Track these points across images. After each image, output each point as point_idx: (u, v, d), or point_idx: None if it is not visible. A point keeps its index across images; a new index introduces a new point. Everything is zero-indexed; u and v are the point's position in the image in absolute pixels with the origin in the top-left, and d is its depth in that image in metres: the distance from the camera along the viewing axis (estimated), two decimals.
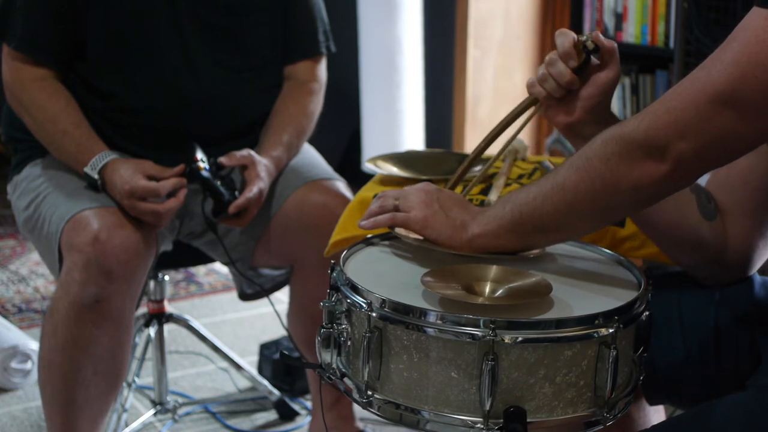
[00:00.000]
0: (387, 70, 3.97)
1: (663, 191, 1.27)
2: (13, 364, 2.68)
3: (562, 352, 1.16)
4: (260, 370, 2.74)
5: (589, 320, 1.18)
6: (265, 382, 2.60)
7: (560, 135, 2.88)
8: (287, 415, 2.57)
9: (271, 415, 2.58)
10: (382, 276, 1.32)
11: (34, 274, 3.54)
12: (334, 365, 1.27)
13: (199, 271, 3.57)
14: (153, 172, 2.03)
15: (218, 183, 2.05)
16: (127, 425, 2.41)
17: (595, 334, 1.17)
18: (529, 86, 1.45)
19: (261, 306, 3.09)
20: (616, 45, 1.41)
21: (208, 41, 2.15)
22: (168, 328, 2.50)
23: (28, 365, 2.70)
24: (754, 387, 1.29)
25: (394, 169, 2.00)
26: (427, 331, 1.17)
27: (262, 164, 2.10)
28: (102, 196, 2.03)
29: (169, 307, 2.50)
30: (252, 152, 2.11)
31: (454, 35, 3.88)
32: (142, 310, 2.38)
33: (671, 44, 3.31)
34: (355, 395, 1.25)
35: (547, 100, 1.43)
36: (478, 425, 1.17)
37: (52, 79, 2.10)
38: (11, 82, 2.11)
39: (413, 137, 4.04)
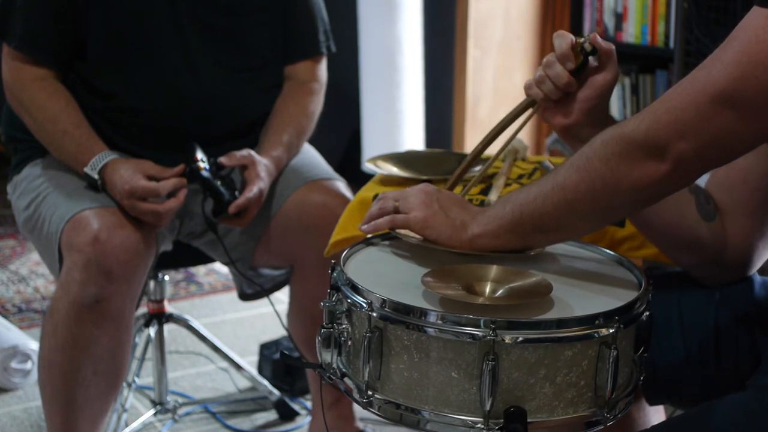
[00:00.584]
0: (387, 70, 3.97)
1: (663, 191, 1.27)
2: (13, 364, 2.68)
3: (562, 352, 1.16)
4: (260, 370, 2.74)
5: (589, 320, 1.18)
6: (265, 382, 2.60)
7: None
8: (287, 415, 2.57)
9: (271, 415, 2.58)
10: (382, 276, 1.32)
11: (34, 274, 3.54)
12: (334, 365, 1.27)
13: (199, 271, 3.57)
14: (153, 172, 2.03)
15: (218, 183, 2.05)
16: (127, 425, 2.41)
17: (596, 334, 1.17)
18: (527, 88, 1.45)
19: (261, 306, 3.09)
20: (613, 47, 1.41)
21: (208, 41, 2.15)
22: (168, 328, 2.50)
23: (28, 365, 2.70)
24: (754, 387, 1.29)
25: (394, 169, 2.00)
26: (427, 331, 1.17)
27: (262, 164, 2.10)
28: (102, 196, 2.03)
29: (169, 307, 2.50)
30: (252, 152, 2.11)
31: (454, 35, 3.88)
32: (142, 310, 2.38)
33: (671, 44, 3.31)
34: (356, 395, 1.25)
35: (545, 102, 1.43)
36: (479, 425, 1.17)
37: (52, 79, 2.10)
38: (11, 82, 2.11)
39: (413, 137, 4.04)
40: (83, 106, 2.11)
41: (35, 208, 2.09)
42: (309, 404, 2.59)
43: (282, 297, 2.68)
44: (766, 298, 1.46)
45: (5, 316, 3.08)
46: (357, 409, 2.37)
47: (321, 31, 2.28)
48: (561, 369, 1.17)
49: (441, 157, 2.10)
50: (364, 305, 1.21)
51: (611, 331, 1.18)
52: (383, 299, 1.20)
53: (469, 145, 3.86)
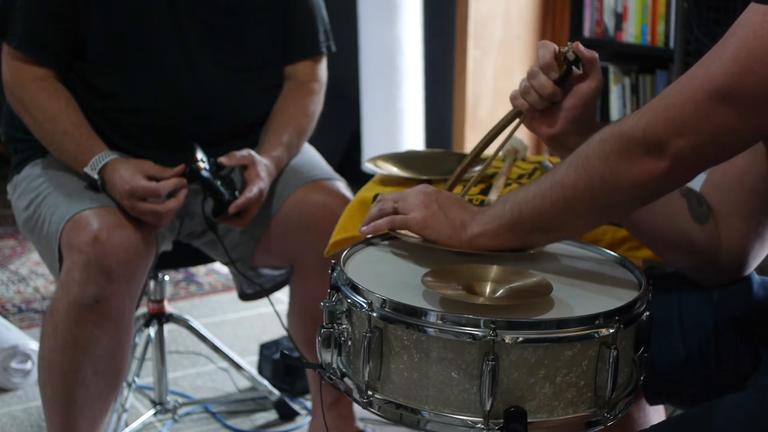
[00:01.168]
0: (387, 70, 3.97)
1: (662, 188, 1.27)
2: (13, 364, 2.68)
3: (562, 352, 1.16)
4: (260, 370, 2.74)
5: (589, 320, 1.18)
6: (265, 382, 2.60)
7: None
8: (287, 415, 2.57)
9: (271, 415, 2.58)
10: (382, 276, 1.32)
11: (34, 274, 3.54)
12: (334, 365, 1.27)
13: (199, 271, 3.57)
14: (153, 172, 2.03)
15: (218, 183, 2.05)
16: (127, 425, 2.41)
17: (596, 335, 1.17)
18: (512, 99, 1.45)
19: (261, 306, 3.09)
20: (596, 55, 1.41)
21: (208, 41, 2.15)
22: (168, 328, 2.50)
23: (28, 365, 2.70)
24: (754, 387, 1.29)
25: (394, 169, 2.00)
26: (427, 331, 1.17)
27: (263, 164, 2.10)
28: (102, 196, 2.03)
29: (169, 307, 2.50)
30: (252, 152, 2.11)
31: (454, 35, 3.88)
32: (142, 310, 2.38)
33: (671, 44, 3.32)
34: (356, 395, 1.25)
35: (530, 113, 1.44)
36: (479, 425, 1.17)
37: (52, 79, 2.10)
38: (11, 82, 2.11)
39: (413, 137, 4.05)
40: (83, 106, 2.11)
41: (35, 208, 2.09)
42: (309, 404, 2.59)
43: (282, 297, 2.68)
44: (765, 297, 1.45)
45: (5, 316, 3.08)
46: (357, 409, 2.37)
47: (321, 31, 2.28)
48: (561, 369, 1.17)
49: (441, 157, 2.10)
50: (364, 305, 1.21)
51: (611, 331, 1.18)
52: (383, 299, 1.20)
53: (469, 145, 3.86)
